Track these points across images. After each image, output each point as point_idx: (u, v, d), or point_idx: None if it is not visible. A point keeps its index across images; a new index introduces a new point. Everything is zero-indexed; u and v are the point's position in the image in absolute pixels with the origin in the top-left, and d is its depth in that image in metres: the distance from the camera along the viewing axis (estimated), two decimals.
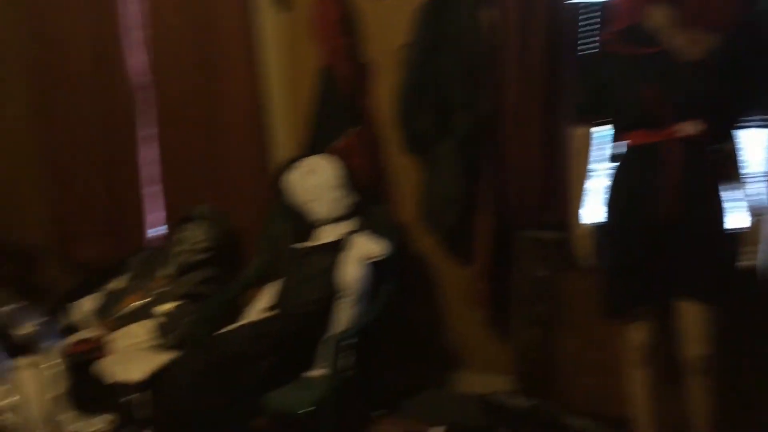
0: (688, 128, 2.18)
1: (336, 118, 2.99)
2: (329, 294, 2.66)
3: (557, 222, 2.83)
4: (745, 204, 2.31)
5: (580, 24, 2.77)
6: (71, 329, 3.11)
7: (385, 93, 3.00)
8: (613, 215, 2.34)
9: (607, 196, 2.37)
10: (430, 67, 2.81)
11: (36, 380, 2.73)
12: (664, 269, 2.27)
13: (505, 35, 2.73)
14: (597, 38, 2.35)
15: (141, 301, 3.06)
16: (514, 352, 2.94)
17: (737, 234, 2.29)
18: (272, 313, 2.77)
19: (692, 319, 2.24)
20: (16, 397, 2.63)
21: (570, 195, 2.50)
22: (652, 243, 2.25)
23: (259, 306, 2.83)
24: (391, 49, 2.93)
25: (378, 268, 2.73)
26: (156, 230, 3.54)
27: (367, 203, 2.91)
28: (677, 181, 2.18)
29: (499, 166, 2.85)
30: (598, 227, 2.42)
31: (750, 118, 2.42)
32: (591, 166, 2.43)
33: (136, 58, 3.38)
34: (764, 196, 2.66)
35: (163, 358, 2.74)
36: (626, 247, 2.30)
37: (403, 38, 2.88)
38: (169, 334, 2.88)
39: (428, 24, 2.82)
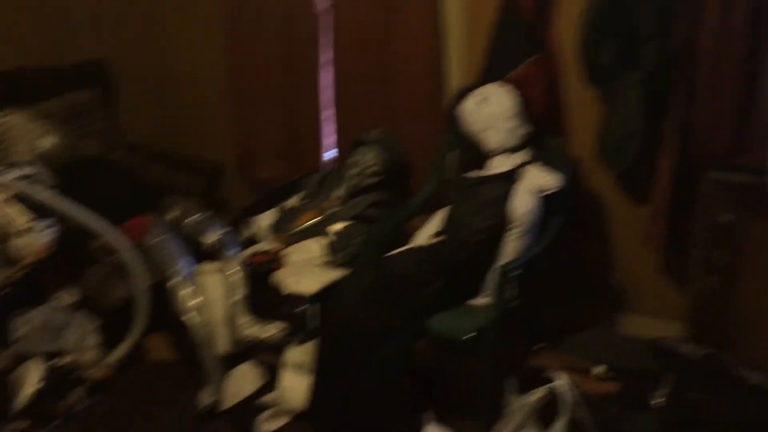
0: None
1: (515, 47, 2.90)
2: (499, 224, 2.64)
3: (749, 164, 2.63)
4: None
5: None
6: (250, 242, 3.32)
7: (568, 22, 2.87)
8: None
9: None
10: None
11: (219, 285, 2.95)
12: None
13: None
14: None
15: (314, 220, 3.20)
16: (689, 298, 2.81)
17: None
18: (441, 239, 2.80)
19: None
20: (201, 299, 2.86)
21: None
22: None
23: (428, 232, 2.86)
24: None
25: (550, 201, 2.67)
26: (330, 153, 3.66)
27: (542, 135, 2.83)
28: None
29: (688, 101, 2.67)
30: None
31: None
32: None
33: None
34: None
35: (333, 274, 2.87)
36: None
37: None
38: (339, 252, 3.00)
39: None
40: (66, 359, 2.80)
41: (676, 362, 2.61)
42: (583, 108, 2.97)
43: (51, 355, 2.76)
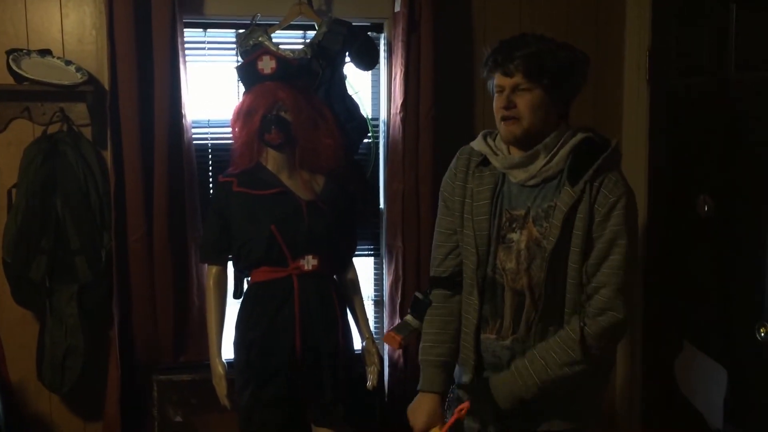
0: (310, 262, 2.32)
1: None
2: None
3: (190, 362, 2.77)
4: (367, 326, 2.53)
5: (209, 164, 2.86)
6: None
7: None
8: (247, 350, 2.35)
9: (237, 332, 2.39)
10: (44, 210, 2.60)
11: None
12: (303, 399, 2.35)
13: (128, 176, 2.66)
14: (223, 178, 2.40)
15: None
16: None
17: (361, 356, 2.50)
18: None
19: None
20: None
21: (207, 333, 2.45)
22: (289, 374, 2.31)
23: None
24: None
25: None
26: None
27: None
28: (304, 313, 2.31)
29: (128, 309, 2.71)
30: (232, 366, 2.41)
31: (358, 248, 2.68)
32: (225, 303, 2.43)
33: None
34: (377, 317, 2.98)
35: None
36: (266, 381, 2.32)
37: (10, 180, 2.65)
38: None
39: (38, 166, 2.61)
40: None
41: None
42: (17, 328, 2.76)
43: None
